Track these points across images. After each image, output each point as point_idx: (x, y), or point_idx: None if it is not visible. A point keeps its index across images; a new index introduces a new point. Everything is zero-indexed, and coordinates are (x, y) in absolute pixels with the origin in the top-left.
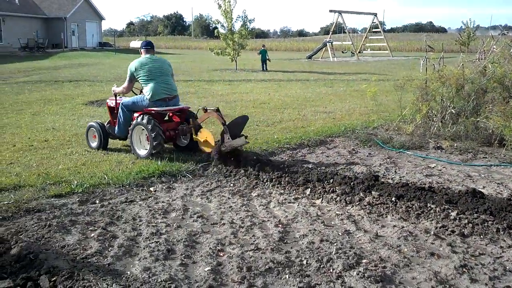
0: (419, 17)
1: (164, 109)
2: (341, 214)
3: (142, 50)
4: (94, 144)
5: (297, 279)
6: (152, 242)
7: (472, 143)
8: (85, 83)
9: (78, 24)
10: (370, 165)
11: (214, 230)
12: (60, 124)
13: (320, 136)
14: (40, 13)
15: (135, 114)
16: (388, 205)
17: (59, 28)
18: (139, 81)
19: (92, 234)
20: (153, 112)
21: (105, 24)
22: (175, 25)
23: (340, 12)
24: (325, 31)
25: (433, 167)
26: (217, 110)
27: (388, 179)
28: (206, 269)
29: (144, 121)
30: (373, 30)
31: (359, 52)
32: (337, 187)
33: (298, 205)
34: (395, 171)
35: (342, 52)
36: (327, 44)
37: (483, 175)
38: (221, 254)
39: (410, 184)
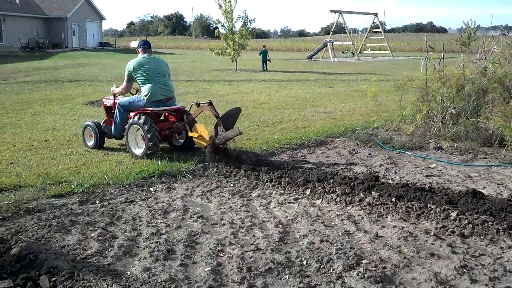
0: (420, 17)
1: (160, 109)
2: (341, 214)
3: (139, 49)
4: (91, 143)
5: (297, 279)
6: (152, 243)
7: (473, 143)
8: (85, 83)
9: (78, 24)
10: (370, 165)
11: (214, 231)
12: (60, 124)
13: (320, 137)
14: (41, 13)
15: (131, 114)
16: (388, 206)
17: (60, 28)
18: (137, 81)
19: (92, 234)
20: (149, 111)
21: (106, 24)
22: (176, 25)
23: (340, 12)
24: (326, 31)
25: (433, 168)
26: (210, 103)
27: (388, 179)
28: (206, 270)
29: (141, 121)
30: (374, 30)
31: (359, 52)
32: (337, 188)
33: (298, 205)
34: (395, 172)
35: (342, 52)
36: (328, 44)
37: (483, 176)
38: (221, 255)
39: (410, 185)
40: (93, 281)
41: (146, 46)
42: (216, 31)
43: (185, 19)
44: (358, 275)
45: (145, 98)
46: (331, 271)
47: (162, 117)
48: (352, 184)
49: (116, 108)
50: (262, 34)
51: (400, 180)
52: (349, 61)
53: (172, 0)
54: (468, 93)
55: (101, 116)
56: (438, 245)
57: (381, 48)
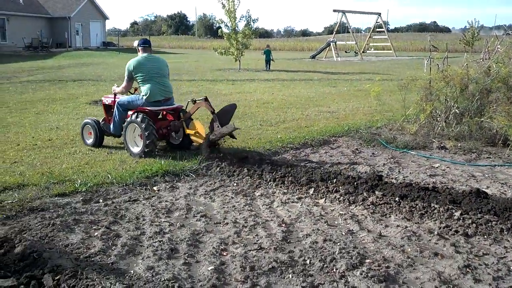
0: (423, 17)
1: (159, 108)
2: (345, 213)
3: (139, 48)
4: (90, 141)
5: (300, 278)
6: (156, 241)
7: (476, 143)
8: (89, 82)
9: (82, 23)
10: (373, 165)
11: (218, 230)
12: (64, 123)
13: (324, 136)
14: (44, 12)
15: (129, 112)
16: (391, 205)
17: (63, 27)
18: (136, 80)
19: (96, 233)
20: (147, 110)
21: (109, 23)
22: (179, 24)
23: (344, 12)
24: (329, 30)
25: (436, 167)
26: (206, 99)
27: (392, 179)
28: (209, 268)
29: (138, 119)
30: (377, 30)
31: (362, 52)
32: (340, 187)
33: (301, 204)
34: (399, 171)
35: (345, 52)
36: (331, 43)
37: (487, 175)
38: (225, 254)
39: (413, 184)
40: (96, 279)
41: (146, 45)
42: (219, 30)
43: (188, 19)
44: (361, 274)
45: (144, 98)
46: (334, 270)
47: (160, 116)
48: (355, 183)
49: (115, 107)
50: (265, 34)
51: (404, 179)
52: (352, 60)
53: None
54: (472, 93)
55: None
56: (441, 245)
57: (385, 48)
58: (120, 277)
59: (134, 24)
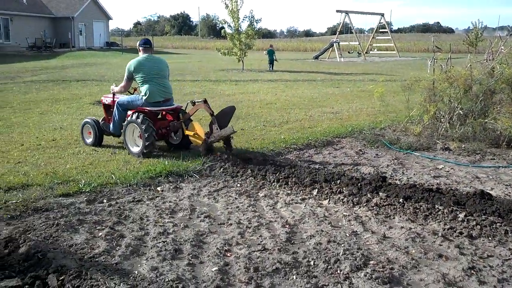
0: (426, 17)
1: (158, 108)
2: (349, 215)
3: (140, 48)
4: (89, 140)
5: (304, 280)
6: (160, 242)
7: (480, 144)
8: (92, 82)
9: (85, 23)
10: (377, 166)
11: (221, 230)
12: (67, 123)
13: (327, 137)
14: (48, 12)
15: (129, 112)
16: (395, 206)
17: (67, 27)
18: (136, 80)
19: (100, 234)
20: (146, 110)
21: (112, 23)
22: (182, 25)
23: (347, 12)
24: (332, 31)
25: (440, 168)
26: (205, 101)
27: (396, 180)
28: (213, 269)
29: (138, 120)
30: (380, 30)
31: (366, 53)
32: (344, 188)
33: (305, 205)
34: (403, 172)
35: (348, 52)
36: (334, 44)
37: (491, 177)
38: (228, 254)
39: (417, 185)
40: (100, 280)
41: (147, 46)
42: (222, 31)
43: (191, 19)
44: (365, 275)
45: (144, 98)
46: (338, 271)
47: (160, 116)
48: (359, 184)
49: (115, 107)
50: (268, 34)
51: (408, 180)
52: (356, 61)
53: (178, 0)
54: (476, 94)
55: None
56: (446, 246)
57: (388, 48)
58: (124, 277)
59: (137, 24)
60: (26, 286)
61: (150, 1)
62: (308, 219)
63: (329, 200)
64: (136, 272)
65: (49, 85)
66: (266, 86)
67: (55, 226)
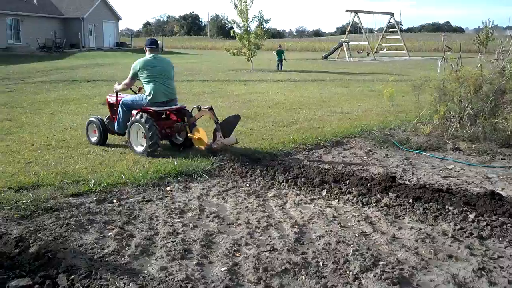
0: (436, 17)
1: (162, 108)
2: (358, 215)
3: (146, 48)
4: (94, 139)
5: (314, 280)
6: (169, 242)
7: (491, 144)
8: (102, 83)
9: (95, 24)
10: (387, 166)
11: (230, 230)
12: (77, 123)
13: (336, 137)
14: (58, 13)
15: (133, 112)
16: (405, 207)
17: (77, 28)
18: (141, 80)
19: (110, 233)
20: (150, 110)
21: (122, 24)
22: (191, 25)
23: (356, 12)
24: (341, 31)
25: (451, 169)
26: (211, 109)
27: (406, 180)
28: (222, 269)
29: (142, 119)
30: (390, 30)
31: (375, 52)
32: (353, 188)
33: (314, 206)
34: (413, 173)
35: (358, 52)
36: (343, 44)
37: (501, 177)
38: (237, 255)
39: (427, 186)
40: (110, 279)
41: (153, 46)
42: (231, 31)
43: (200, 19)
44: (375, 276)
45: (148, 98)
46: (347, 272)
47: (164, 116)
48: (368, 185)
49: (120, 106)
50: (277, 34)
51: (418, 181)
52: (365, 61)
53: (187, 0)
54: (486, 94)
55: None
56: (456, 247)
57: (397, 48)
58: (134, 277)
59: (146, 24)
60: (37, 286)
61: (160, 2)
62: (317, 219)
63: (338, 201)
64: (145, 272)
65: (59, 86)
66: (275, 86)
67: (65, 226)
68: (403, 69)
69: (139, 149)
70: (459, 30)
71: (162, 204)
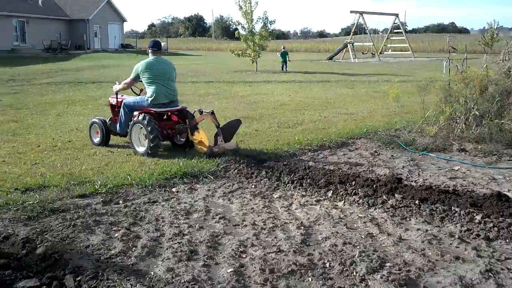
0: (441, 18)
1: (163, 110)
2: (364, 216)
3: (149, 50)
4: (97, 139)
5: (320, 281)
6: (175, 243)
7: (497, 145)
8: (107, 84)
9: (100, 26)
10: (392, 167)
11: (236, 232)
12: (83, 125)
13: (342, 138)
14: (63, 15)
15: (135, 113)
16: (411, 208)
17: (82, 29)
18: (143, 81)
19: (116, 234)
20: (152, 111)
21: (127, 26)
22: (196, 26)
23: (361, 13)
24: (346, 32)
25: (457, 170)
26: (212, 113)
27: (412, 181)
28: (228, 271)
29: (144, 121)
30: (395, 30)
31: (380, 53)
32: (359, 189)
33: (320, 207)
34: (419, 174)
35: (363, 53)
36: (348, 45)
37: (508, 178)
38: (244, 256)
39: (433, 187)
40: (117, 280)
41: (155, 48)
42: (236, 32)
43: (205, 21)
44: (381, 278)
45: (150, 100)
46: (354, 273)
47: (165, 117)
48: (374, 186)
49: (122, 107)
50: (281, 35)
51: (424, 182)
52: (370, 62)
53: (192, 1)
54: (492, 95)
55: None
56: (462, 249)
57: (402, 49)
58: (141, 278)
59: (151, 26)
60: (44, 287)
61: (165, 3)
62: (323, 220)
63: (344, 202)
64: (152, 273)
65: (65, 87)
66: (280, 87)
67: (71, 227)
68: (408, 70)
69: (141, 149)
70: (464, 31)
71: (168, 205)
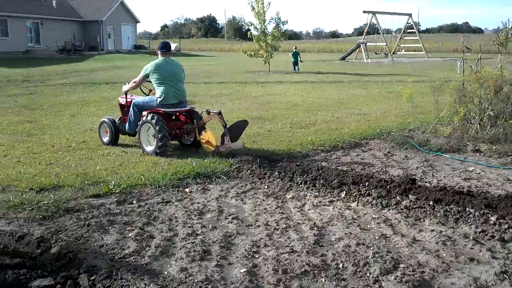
0: (455, 17)
1: (172, 110)
2: (377, 217)
3: (158, 51)
4: (106, 139)
5: (333, 282)
6: (188, 243)
7: (511, 146)
8: (121, 85)
9: (113, 27)
10: (406, 168)
11: (249, 232)
12: (97, 125)
13: (355, 139)
14: (77, 16)
15: (144, 112)
16: (425, 209)
17: (95, 31)
18: (152, 82)
19: (130, 234)
20: (161, 112)
21: (140, 27)
22: (209, 27)
23: (374, 13)
24: (359, 32)
25: (471, 171)
26: (219, 113)
27: (426, 182)
28: (242, 271)
29: (153, 120)
30: (408, 30)
31: (393, 53)
32: (373, 190)
33: (333, 208)
34: (433, 175)
35: (375, 53)
36: (361, 45)
37: None
38: (257, 256)
39: (448, 188)
40: (131, 280)
41: (164, 50)
42: (248, 33)
43: (217, 22)
44: (395, 279)
45: (159, 100)
46: (367, 274)
47: (173, 117)
48: (388, 187)
49: (131, 107)
50: (294, 36)
51: (438, 183)
52: (383, 62)
53: (205, 2)
54: (507, 95)
55: None
56: (477, 250)
57: (416, 49)
58: (154, 278)
59: (164, 27)
60: (58, 286)
61: (177, 4)
62: (337, 221)
63: (358, 203)
64: (165, 272)
65: (79, 88)
66: (293, 87)
67: (86, 226)
68: (422, 70)
69: (149, 148)
70: (478, 30)
71: (181, 205)
